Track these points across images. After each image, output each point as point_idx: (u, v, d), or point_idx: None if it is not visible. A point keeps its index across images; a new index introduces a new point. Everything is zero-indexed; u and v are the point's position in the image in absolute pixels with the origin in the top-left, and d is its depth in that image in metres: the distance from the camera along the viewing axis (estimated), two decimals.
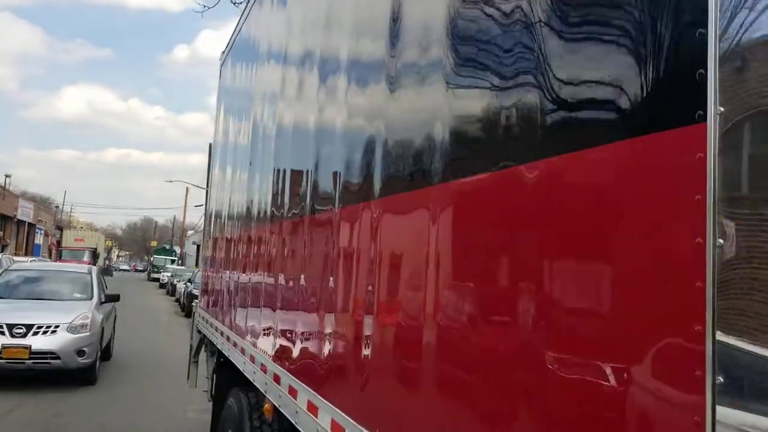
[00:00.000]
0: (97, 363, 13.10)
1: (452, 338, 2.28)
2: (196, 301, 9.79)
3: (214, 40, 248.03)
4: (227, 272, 7.12)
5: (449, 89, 2.40)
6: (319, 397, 3.46)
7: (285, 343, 4.39)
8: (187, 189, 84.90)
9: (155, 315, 29.94)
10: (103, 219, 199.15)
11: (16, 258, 32.47)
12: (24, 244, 60.57)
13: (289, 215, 4.65)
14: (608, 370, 1.57)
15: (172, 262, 73.24)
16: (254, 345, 5.22)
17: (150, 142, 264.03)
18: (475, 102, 2.27)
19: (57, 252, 58.81)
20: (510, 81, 2.03)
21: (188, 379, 9.46)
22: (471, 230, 2.24)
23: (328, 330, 3.54)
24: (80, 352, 12.17)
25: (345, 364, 3.25)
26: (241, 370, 5.54)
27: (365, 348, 2.97)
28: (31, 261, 32.33)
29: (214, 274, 8.19)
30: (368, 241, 3.08)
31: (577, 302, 1.72)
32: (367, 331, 2.98)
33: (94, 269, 16.27)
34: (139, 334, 21.37)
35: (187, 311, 28.99)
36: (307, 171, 4.28)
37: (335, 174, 3.72)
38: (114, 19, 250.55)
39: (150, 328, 24.14)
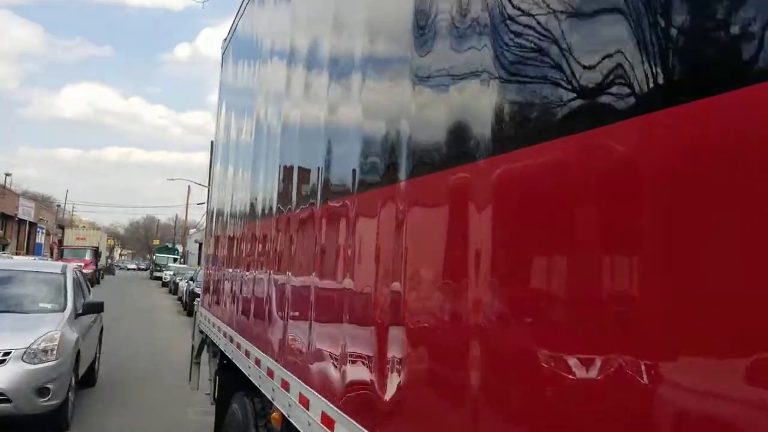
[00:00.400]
0: (70, 402, 9.27)
1: (505, 347, 1.93)
2: (198, 300, 9.41)
3: (214, 38, 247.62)
4: (230, 270, 6.76)
5: (493, 80, 2.02)
6: (334, 407, 3.09)
7: (294, 345, 4.02)
8: (188, 187, 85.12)
9: (157, 314, 29.64)
10: (105, 218, 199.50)
11: (15, 257, 32.12)
12: (25, 244, 60.35)
13: (299, 209, 4.28)
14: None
15: (175, 260, 73.33)
16: (260, 347, 4.84)
17: (152, 141, 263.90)
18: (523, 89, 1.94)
19: (59, 251, 58.59)
20: None
21: (190, 380, 9.09)
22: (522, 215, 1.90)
23: (344, 332, 3.17)
24: (42, 391, 8.32)
25: (366, 371, 2.84)
26: (245, 374, 5.18)
27: (391, 352, 2.58)
28: (32, 260, 32.16)
29: (217, 273, 7.83)
30: (392, 235, 2.71)
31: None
32: (393, 335, 2.60)
33: (71, 268, 11.77)
34: (139, 333, 21.07)
35: (189, 310, 28.91)
36: (318, 164, 3.92)
37: (350, 166, 3.37)
38: (114, 16, 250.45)
39: (151, 327, 23.75)
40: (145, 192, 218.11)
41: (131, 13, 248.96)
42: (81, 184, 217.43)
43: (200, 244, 71.60)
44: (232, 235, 6.90)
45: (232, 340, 5.93)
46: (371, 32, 3.21)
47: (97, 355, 12.59)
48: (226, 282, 6.95)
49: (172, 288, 46.49)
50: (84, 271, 47.19)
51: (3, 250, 48.10)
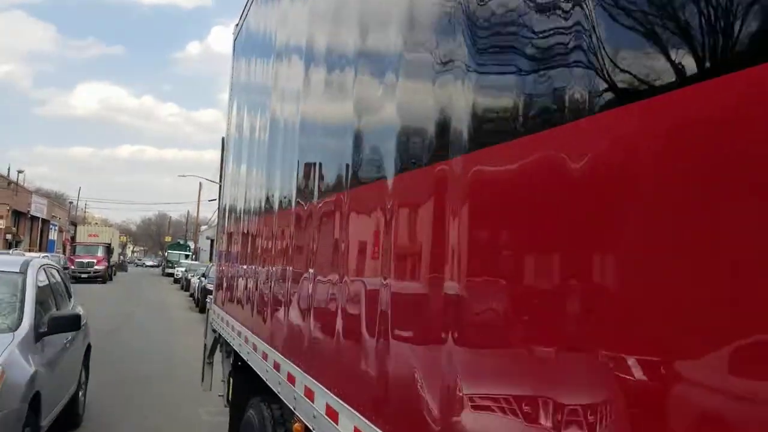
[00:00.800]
0: None
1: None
2: (211, 297, 9.04)
3: (225, 37, 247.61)
4: (245, 267, 6.38)
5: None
6: (367, 421, 2.72)
7: (319, 349, 3.64)
8: (200, 184, 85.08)
9: (169, 311, 29.36)
10: (117, 215, 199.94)
11: (28, 254, 31.95)
12: (38, 240, 60.32)
13: (323, 199, 3.91)
14: None
15: (186, 257, 73.21)
16: (280, 350, 4.46)
17: (163, 139, 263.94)
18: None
19: (71, 247, 58.48)
20: None
21: (202, 381, 8.71)
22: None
23: (376, 334, 2.80)
24: None
25: (411, 383, 2.45)
26: (263, 378, 4.81)
27: (449, 364, 2.21)
28: (43, 257, 32.00)
29: (230, 269, 7.45)
30: (433, 228, 2.38)
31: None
32: (447, 341, 2.22)
33: (35, 265, 7.88)
34: (151, 329, 20.79)
35: (201, 306, 28.69)
36: (343, 153, 3.58)
37: (377, 158, 3.10)
38: (125, 16, 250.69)
39: (163, 323, 23.45)
40: (157, 189, 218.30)
41: (143, 11, 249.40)
42: (94, 181, 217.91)
43: (212, 241, 71.65)
44: (247, 231, 6.54)
45: (247, 341, 5.56)
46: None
47: (81, 385, 9.14)
48: (240, 279, 6.58)
49: (184, 284, 46.42)
50: (97, 267, 47.47)
51: (16, 246, 48.05)
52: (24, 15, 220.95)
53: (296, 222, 4.49)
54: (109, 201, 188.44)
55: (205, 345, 8.60)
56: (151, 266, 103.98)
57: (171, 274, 62.82)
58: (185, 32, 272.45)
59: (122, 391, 11.73)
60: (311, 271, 3.93)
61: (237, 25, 8.51)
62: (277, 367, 4.38)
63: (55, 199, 75.17)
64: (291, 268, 4.45)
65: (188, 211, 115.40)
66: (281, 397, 4.17)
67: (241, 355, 5.78)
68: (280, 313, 4.60)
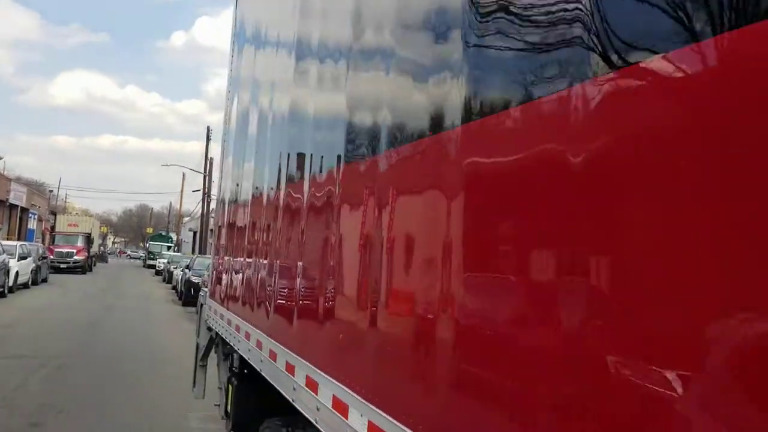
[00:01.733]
0: None
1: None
2: (204, 290, 7.96)
3: (210, 27, 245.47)
4: (256, 260, 5.26)
5: None
6: None
7: (382, 360, 2.70)
8: (183, 174, 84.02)
9: (151, 304, 28.31)
10: (98, 206, 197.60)
11: (5, 242, 30.78)
12: (17, 229, 58.94)
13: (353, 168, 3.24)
14: None
15: (168, 248, 72.89)
16: (315, 362, 3.40)
17: (146, 129, 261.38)
18: None
19: (51, 237, 57.26)
20: None
21: (194, 386, 7.66)
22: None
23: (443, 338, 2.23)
24: None
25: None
26: (288, 398, 3.74)
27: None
28: (20, 245, 30.88)
29: (234, 261, 6.37)
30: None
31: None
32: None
33: None
34: (133, 324, 19.76)
35: (185, 299, 27.74)
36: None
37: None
38: (110, 3, 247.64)
39: (145, 317, 22.41)
40: (139, 180, 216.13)
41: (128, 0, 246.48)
42: (75, 171, 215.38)
43: (195, 233, 71.09)
44: (255, 220, 5.52)
45: (261, 347, 4.55)
46: None
47: None
48: (249, 272, 5.50)
49: (166, 276, 45.77)
50: (77, 257, 46.77)
51: None
52: (8, 1, 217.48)
53: (313, 207, 3.69)
54: (90, 190, 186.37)
55: (197, 345, 7.56)
56: (133, 257, 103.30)
57: (153, 266, 62.04)
58: (170, 22, 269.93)
59: (102, 392, 10.72)
60: (354, 256, 3.03)
61: (234, 17, 7.48)
62: (312, 386, 3.33)
63: (35, 188, 73.60)
64: (331, 256, 3.46)
65: (170, 203, 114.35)
66: (320, 427, 3.16)
67: (252, 364, 4.73)
68: (312, 310, 3.62)
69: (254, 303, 4.79)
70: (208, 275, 7.48)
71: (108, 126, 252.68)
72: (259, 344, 4.41)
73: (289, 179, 4.24)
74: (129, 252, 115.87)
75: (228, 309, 5.90)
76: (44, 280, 34.67)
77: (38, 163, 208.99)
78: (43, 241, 56.55)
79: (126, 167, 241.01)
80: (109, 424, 8.92)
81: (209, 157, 54.94)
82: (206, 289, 7.53)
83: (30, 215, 62.86)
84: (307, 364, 3.40)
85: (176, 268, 38.71)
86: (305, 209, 3.86)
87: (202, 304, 7.43)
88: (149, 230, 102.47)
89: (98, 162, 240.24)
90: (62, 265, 45.11)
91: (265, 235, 4.90)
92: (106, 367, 12.81)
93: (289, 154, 4.45)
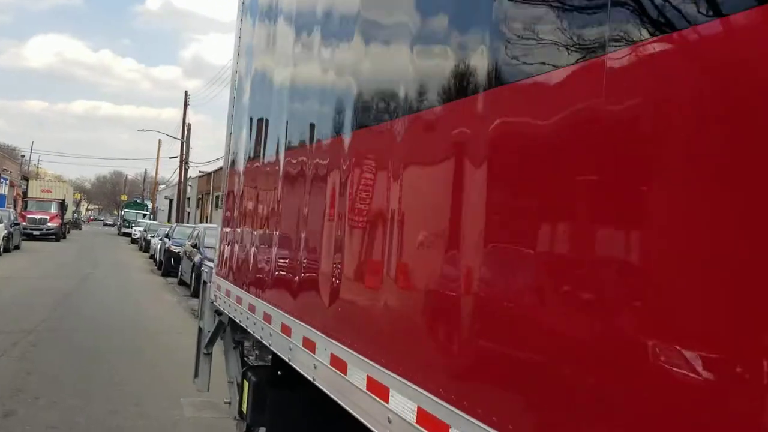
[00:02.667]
0: None
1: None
2: (208, 265, 6.79)
3: None
4: (304, 232, 4.04)
5: None
6: None
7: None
8: (159, 141, 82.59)
9: (129, 274, 27.20)
10: (72, 171, 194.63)
11: None
12: None
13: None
14: None
15: (144, 216, 72.29)
16: (410, 374, 2.42)
17: (121, 95, 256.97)
18: None
19: (23, 203, 55.72)
20: None
21: (196, 377, 6.58)
22: None
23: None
24: None
25: None
26: (359, 417, 2.72)
27: None
28: None
29: (260, 234, 5.03)
30: None
31: None
32: None
33: None
34: (113, 295, 18.64)
35: (165, 270, 26.66)
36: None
37: None
38: None
39: (125, 288, 21.27)
40: (112, 147, 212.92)
41: None
42: (48, 136, 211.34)
43: (171, 201, 70.06)
44: (296, 182, 4.35)
45: (314, 348, 3.34)
46: None
47: None
48: (284, 249, 4.22)
49: (143, 245, 45.06)
50: (50, 224, 45.80)
51: None
52: None
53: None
54: (63, 155, 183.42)
55: (200, 329, 6.47)
56: (108, 224, 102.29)
57: (128, 234, 61.37)
58: None
59: (82, 373, 9.65)
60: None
61: None
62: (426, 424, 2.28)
63: (7, 152, 71.68)
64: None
65: (146, 170, 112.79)
66: None
67: (294, 365, 3.64)
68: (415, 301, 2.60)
69: (301, 288, 3.68)
70: (215, 249, 6.34)
71: (81, 91, 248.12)
72: (309, 345, 3.35)
73: (361, 125, 3.14)
74: (105, 220, 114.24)
75: (249, 292, 4.79)
76: (17, 247, 33.51)
77: (9, 127, 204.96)
78: (15, 207, 55.03)
79: (99, 134, 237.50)
80: (91, 412, 7.88)
81: (187, 123, 53.74)
82: (210, 264, 6.43)
83: (1, 180, 61.26)
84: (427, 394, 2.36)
85: (154, 236, 37.72)
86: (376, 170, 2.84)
87: (205, 282, 6.34)
88: (123, 197, 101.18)
89: (71, 128, 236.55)
90: (35, 232, 44.04)
91: (314, 200, 3.79)
92: (85, 344, 11.73)
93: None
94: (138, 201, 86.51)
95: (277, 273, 4.14)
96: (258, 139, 5.11)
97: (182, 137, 53.84)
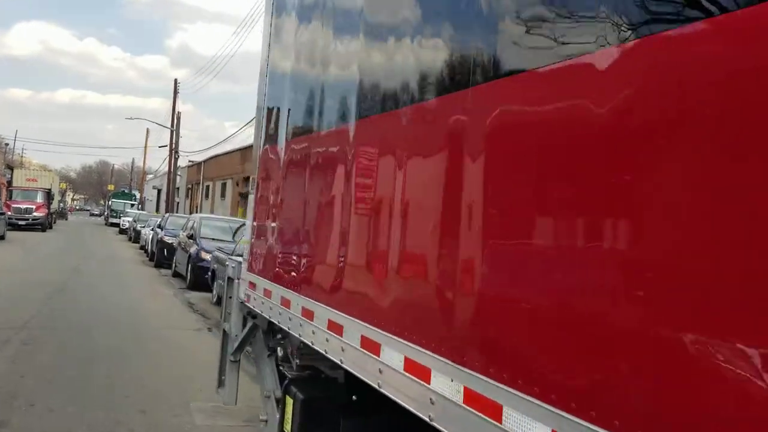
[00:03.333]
0: None
1: None
2: (235, 260, 5.85)
3: None
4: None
5: None
6: None
7: None
8: (147, 130, 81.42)
9: (121, 266, 26.32)
10: (57, 161, 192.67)
11: None
12: None
13: None
14: None
15: (132, 206, 71.60)
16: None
17: (106, 84, 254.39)
18: None
19: (8, 192, 54.59)
20: None
21: (220, 387, 5.74)
22: None
23: None
24: None
25: None
26: None
27: None
28: None
29: (321, 224, 4.01)
30: None
31: None
32: None
33: None
34: (106, 288, 17.76)
35: (157, 261, 25.78)
36: None
37: None
38: None
39: (118, 280, 20.41)
40: (98, 136, 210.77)
41: None
42: (33, 126, 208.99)
43: (159, 191, 69.22)
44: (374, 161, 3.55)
45: (423, 375, 2.50)
46: None
47: None
48: (360, 239, 3.35)
49: (132, 235, 44.32)
50: (36, 214, 44.96)
51: None
52: None
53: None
54: (49, 144, 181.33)
55: (224, 332, 5.63)
56: (95, 214, 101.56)
57: (116, 224, 60.73)
58: None
59: (80, 375, 8.82)
60: None
61: None
62: None
63: None
64: None
65: (133, 159, 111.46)
66: None
67: (386, 393, 2.80)
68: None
69: (399, 294, 2.83)
70: (245, 243, 5.47)
71: (66, 80, 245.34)
72: (415, 369, 2.54)
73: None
74: (91, 210, 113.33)
75: (300, 293, 3.94)
76: (2, 238, 32.58)
77: None
78: None
79: (85, 123, 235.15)
80: (92, 420, 7.06)
81: (177, 112, 52.78)
82: (238, 259, 5.58)
83: None
84: None
85: (144, 227, 36.87)
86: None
87: (230, 278, 5.51)
88: (111, 187, 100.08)
89: (56, 117, 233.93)
90: (21, 222, 43.11)
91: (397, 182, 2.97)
92: (81, 342, 10.89)
93: None
94: (126, 191, 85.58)
95: (354, 273, 3.31)
96: (311, 110, 4.23)
97: (172, 126, 52.84)
